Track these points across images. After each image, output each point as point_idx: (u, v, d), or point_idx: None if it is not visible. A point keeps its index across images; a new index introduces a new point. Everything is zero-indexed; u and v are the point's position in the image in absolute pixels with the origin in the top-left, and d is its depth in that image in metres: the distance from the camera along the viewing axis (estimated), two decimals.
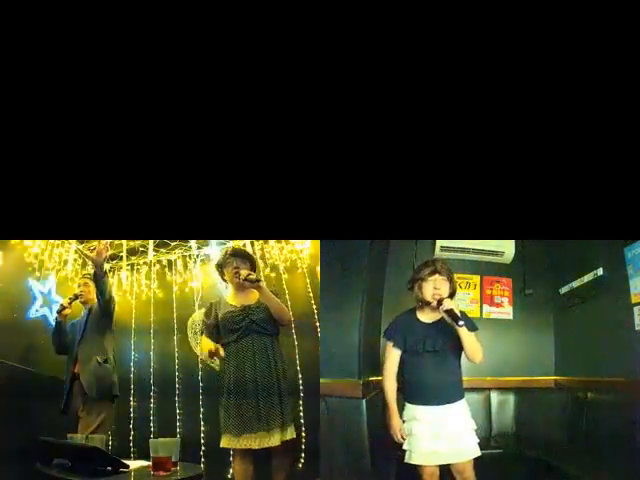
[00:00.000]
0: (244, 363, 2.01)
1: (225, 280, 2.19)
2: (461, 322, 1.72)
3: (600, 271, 2.45)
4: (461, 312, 1.80)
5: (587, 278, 2.57)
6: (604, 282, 2.43)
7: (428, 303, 1.85)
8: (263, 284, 2.05)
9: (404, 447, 1.85)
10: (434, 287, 1.82)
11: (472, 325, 1.85)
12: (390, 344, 1.91)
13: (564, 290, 2.83)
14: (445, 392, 1.82)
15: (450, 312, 1.74)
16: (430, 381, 1.82)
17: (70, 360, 2.56)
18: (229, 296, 2.18)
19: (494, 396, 2.70)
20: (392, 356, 1.90)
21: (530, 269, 2.99)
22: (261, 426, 1.94)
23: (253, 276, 2.03)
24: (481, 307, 2.96)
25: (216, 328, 2.09)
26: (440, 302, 1.78)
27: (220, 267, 2.18)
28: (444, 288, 1.83)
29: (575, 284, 2.70)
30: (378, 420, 2.38)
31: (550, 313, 2.97)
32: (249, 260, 2.17)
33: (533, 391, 2.79)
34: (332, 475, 2.04)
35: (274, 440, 1.95)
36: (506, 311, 2.98)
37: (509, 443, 2.53)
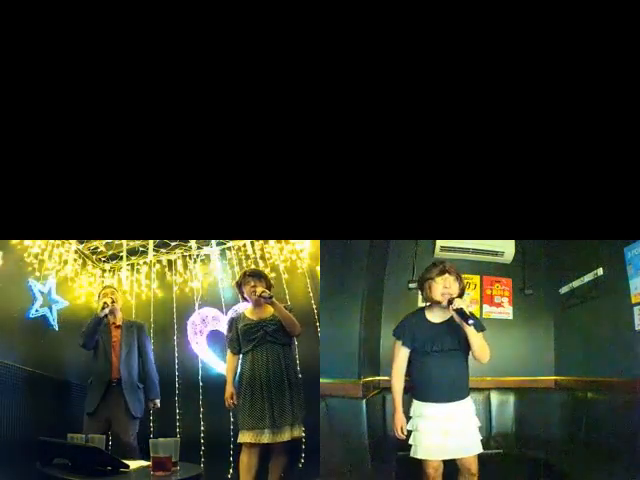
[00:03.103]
0: (259, 369, 2.26)
1: (244, 297, 2.44)
2: (471, 321, 1.74)
3: (600, 271, 2.45)
4: (470, 313, 1.81)
5: (587, 278, 2.57)
6: (604, 282, 2.43)
7: (438, 303, 1.86)
8: (275, 300, 2.29)
9: (410, 442, 1.89)
10: (444, 286, 1.83)
11: (480, 326, 1.87)
12: (399, 343, 1.94)
13: (564, 290, 2.83)
14: (452, 390, 1.86)
15: (460, 311, 1.75)
16: (438, 380, 1.85)
17: (104, 368, 2.65)
18: (248, 311, 2.43)
19: (494, 396, 2.69)
20: (400, 354, 1.94)
21: (530, 269, 2.98)
22: (273, 423, 2.17)
23: (266, 293, 2.27)
24: (481, 307, 2.96)
25: (237, 341, 2.38)
26: (450, 301, 1.79)
27: (239, 286, 2.43)
28: (454, 287, 1.84)
29: (575, 284, 2.69)
30: (378, 420, 2.38)
31: (550, 313, 2.96)
32: (265, 279, 2.42)
33: (533, 391, 2.78)
34: (332, 475, 2.04)
35: (284, 436, 2.19)
36: (506, 311, 2.98)
37: (509, 443, 2.53)
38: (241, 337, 2.35)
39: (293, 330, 2.33)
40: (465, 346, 1.84)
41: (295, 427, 2.22)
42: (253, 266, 3.18)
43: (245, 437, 2.19)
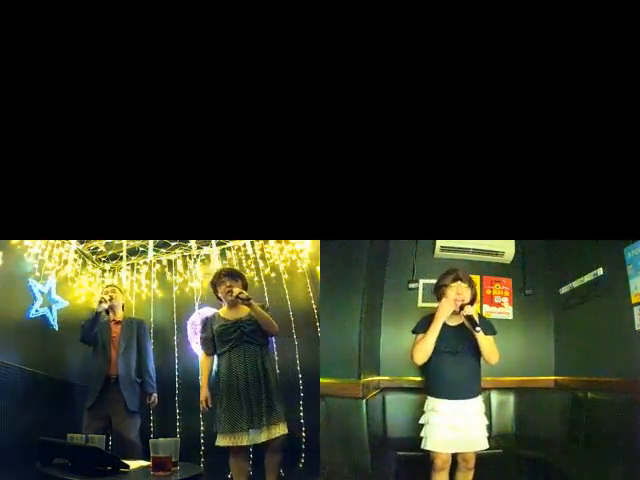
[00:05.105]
0: (236, 370, 2.21)
1: (219, 297, 2.39)
2: (478, 328, 1.88)
3: (600, 271, 2.45)
4: (482, 317, 1.97)
5: (587, 278, 2.56)
6: (604, 282, 2.42)
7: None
8: (252, 301, 2.24)
9: (421, 435, 2.00)
10: (457, 293, 1.97)
11: (491, 329, 2.03)
12: (419, 336, 2.04)
13: (564, 290, 2.83)
14: (463, 388, 1.98)
15: (469, 318, 1.90)
16: (451, 378, 1.97)
17: (102, 363, 2.67)
18: (223, 311, 2.37)
19: (494, 396, 2.69)
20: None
21: (530, 269, 2.98)
22: (250, 425, 2.13)
23: (244, 294, 2.22)
24: (481, 307, 2.95)
25: (212, 341, 2.32)
26: (462, 308, 1.93)
27: (214, 286, 2.38)
28: (466, 294, 1.98)
29: (575, 284, 2.69)
30: (378, 420, 2.38)
31: (550, 313, 2.96)
32: (241, 278, 2.38)
33: (533, 391, 2.78)
34: (332, 475, 2.04)
35: (262, 437, 2.14)
36: (506, 311, 2.98)
37: (509, 443, 2.53)
38: (217, 338, 2.29)
39: (271, 330, 2.29)
40: (476, 348, 1.95)
41: (274, 427, 2.16)
42: (253, 266, 3.19)
43: (224, 441, 2.15)
